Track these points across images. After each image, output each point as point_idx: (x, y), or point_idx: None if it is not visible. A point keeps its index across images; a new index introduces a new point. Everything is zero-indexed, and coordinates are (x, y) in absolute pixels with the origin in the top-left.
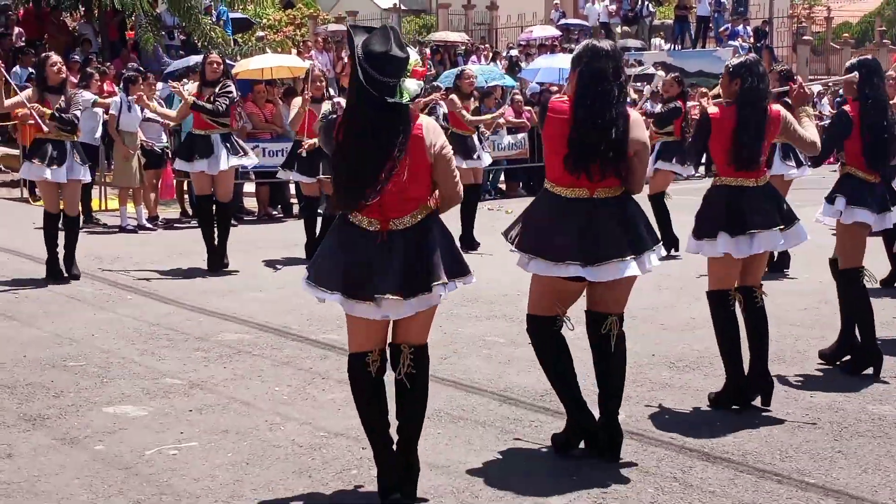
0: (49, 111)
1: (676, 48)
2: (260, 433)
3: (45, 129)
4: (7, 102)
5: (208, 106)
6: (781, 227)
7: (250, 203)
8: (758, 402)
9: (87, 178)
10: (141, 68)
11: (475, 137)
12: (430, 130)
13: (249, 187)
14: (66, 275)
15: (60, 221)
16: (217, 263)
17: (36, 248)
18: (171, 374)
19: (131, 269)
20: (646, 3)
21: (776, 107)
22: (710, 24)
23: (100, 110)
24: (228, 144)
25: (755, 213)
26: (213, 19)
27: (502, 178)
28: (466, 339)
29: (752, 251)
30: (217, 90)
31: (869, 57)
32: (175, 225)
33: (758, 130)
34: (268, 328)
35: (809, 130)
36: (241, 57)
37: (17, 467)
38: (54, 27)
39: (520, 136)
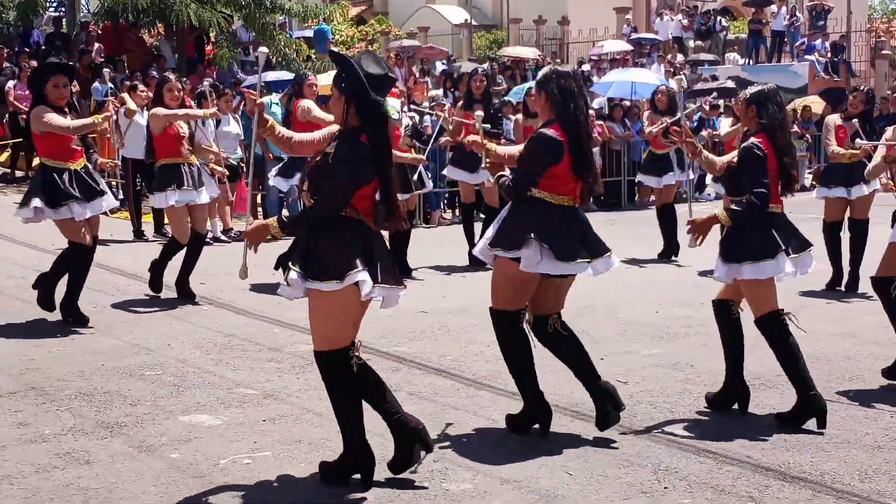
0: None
1: (750, 63)
2: (333, 444)
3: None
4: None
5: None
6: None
7: None
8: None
9: (215, 193)
10: (217, 83)
11: None
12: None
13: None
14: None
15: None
16: None
17: (110, 259)
18: (244, 384)
19: (206, 280)
20: (719, 17)
21: None
22: (786, 39)
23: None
24: None
25: (791, 236)
26: (289, 35)
27: None
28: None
29: (801, 272)
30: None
31: None
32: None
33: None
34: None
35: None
36: (315, 73)
37: (96, 474)
38: (132, 43)
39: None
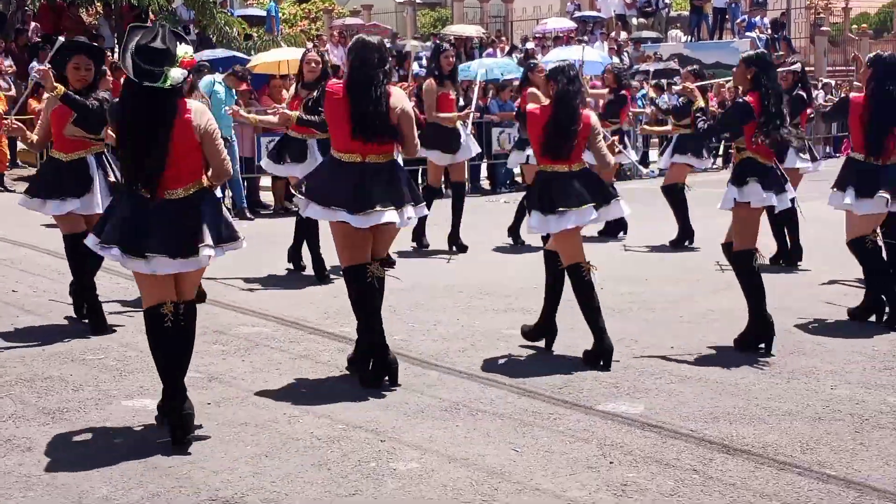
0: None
1: (693, 40)
2: (279, 426)
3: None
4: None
5: (316, 119)
6: None
7: (266, 197)
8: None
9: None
10: None
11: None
12: (198, 114)
13: (266, 181)
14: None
15: None
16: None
17: (51, 243)
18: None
19: None
20: None
21: None
22: (727, 16)
23: None
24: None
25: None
26: (230, 13)
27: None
28: (483, 333)
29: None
30: (317, 94)
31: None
32: None
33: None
34: (285, 321)
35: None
36: (255, 52)
37: (37, 460)
38: (71, 22)
39: None
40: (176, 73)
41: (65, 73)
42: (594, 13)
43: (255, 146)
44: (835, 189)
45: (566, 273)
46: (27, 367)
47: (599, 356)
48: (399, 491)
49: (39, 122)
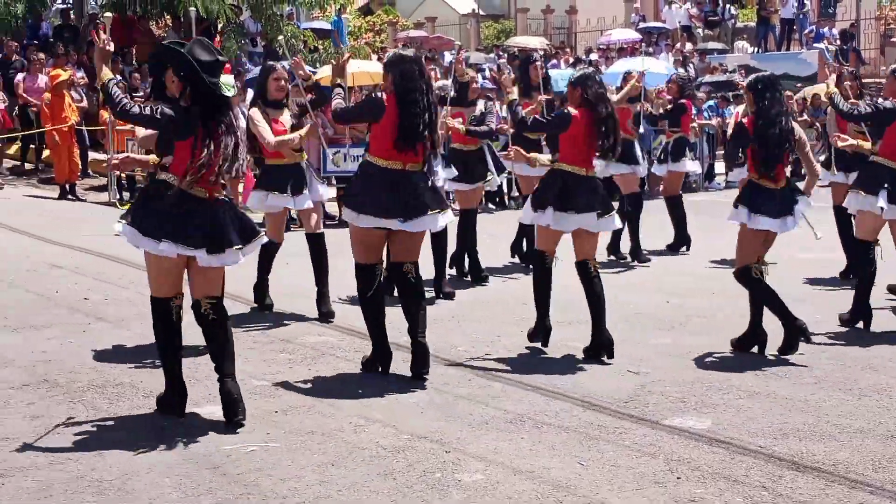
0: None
1: (759, 51)
2: (344, 435)
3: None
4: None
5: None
6: None
7: (332, 208)
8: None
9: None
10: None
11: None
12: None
13: (331, 192)
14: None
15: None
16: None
17: (124, 253)
18: (256, 376)
19: None
20: (727, 5)
21: None
22: (795, 27)
23: None
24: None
25: None
26: (296, 26)
27: None
28: (549, 345)
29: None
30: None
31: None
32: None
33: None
34: (351, 331)
35: None
36: (321, 64)
37: (109, 465)
38: (141, 35)
39: None
40: (227, 79)
41: (162, 80)
42: (659, 24)
43: (320, 157)
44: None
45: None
46: (99, 373)
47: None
48: (464, 502)
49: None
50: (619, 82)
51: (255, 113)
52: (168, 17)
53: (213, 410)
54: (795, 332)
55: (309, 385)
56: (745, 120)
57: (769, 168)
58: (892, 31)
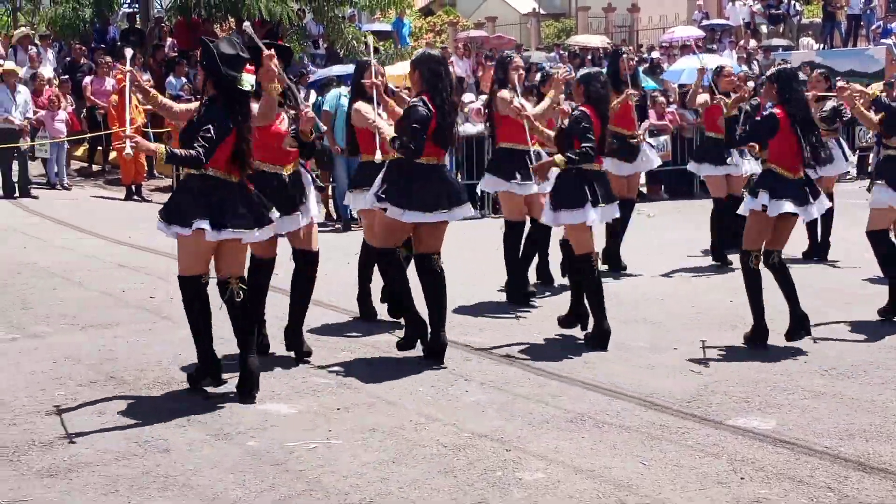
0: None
1: (825, 47)
2: (406, 433)
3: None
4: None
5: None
6: None
7: None
8: None
9: None
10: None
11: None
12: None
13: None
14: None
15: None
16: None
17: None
18: (318, 374)
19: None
20: (792, 1)
21: None
22: (862, 22)
23: None
24: None
25: None
26: (357, 27)
27: (643, 180)
28: (609, 345)
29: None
30: None
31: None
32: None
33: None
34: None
35: None
36: (382, 65)
37: (174, 461)
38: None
39: (662, 138)
40: (250, 78)
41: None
42: (722, 21)
43: None
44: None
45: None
46: (164, 371)
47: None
48: (525, 500)
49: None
50: (693, 79)
51: (365, 107)
52: (232, 19)
53: (276, 408)
54: (763, 331)
55: (370, 383)
56: (776, 111)
57: (817, 157)
58: None
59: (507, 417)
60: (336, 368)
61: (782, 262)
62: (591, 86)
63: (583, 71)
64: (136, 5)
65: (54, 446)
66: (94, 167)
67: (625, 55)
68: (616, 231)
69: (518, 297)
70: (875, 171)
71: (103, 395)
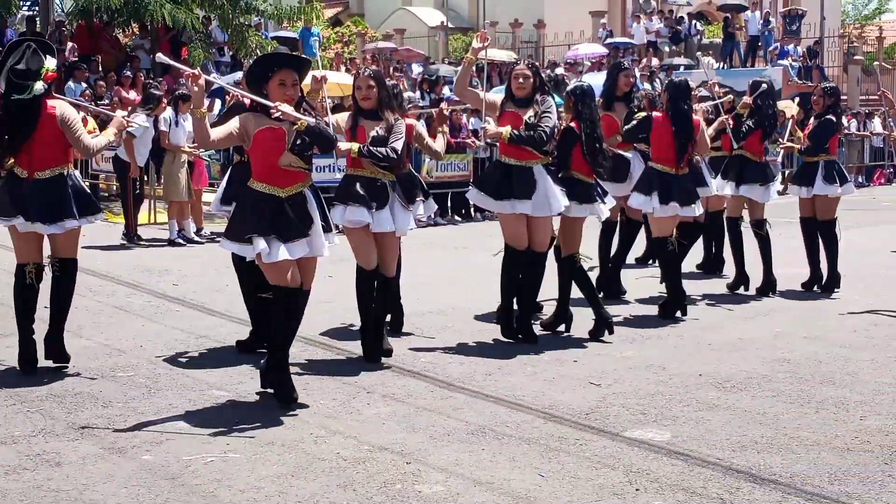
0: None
1: (725, 67)
2: (305, 446)
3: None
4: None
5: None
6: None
7: None
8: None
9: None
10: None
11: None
12: (62, 109)
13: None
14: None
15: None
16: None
17: (84, 259)
18: (217, 386)
19: (179, 281)
20: (693, 21)
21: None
22: (760, 44)
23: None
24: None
25: None
26: (263, 36)
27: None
28: (511, 357)
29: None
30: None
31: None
32: (218, 238)
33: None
34: (313, 342)
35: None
36: None
37: (66, 475)
38: (108, 43)
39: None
40: (38, 86)
41: (264, 91)
42: (626, 39)
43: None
44: (636, 192)
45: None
46: (58, 382)
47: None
48: None
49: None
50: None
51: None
52: (135, 25)
53: (173, 422)
54: (604, 323)
55: (270, 397)
56: (655, 114)
57: (596, 164)
58: (855, 49)
59: (409, 430)
60: (236, 381)
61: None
62: (581, 101)
63: (573, 84)
64: (36, 8)
65: None
66: None
67: (627, 70)
68: (615, 257)
69: (510, 330)
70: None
71: None
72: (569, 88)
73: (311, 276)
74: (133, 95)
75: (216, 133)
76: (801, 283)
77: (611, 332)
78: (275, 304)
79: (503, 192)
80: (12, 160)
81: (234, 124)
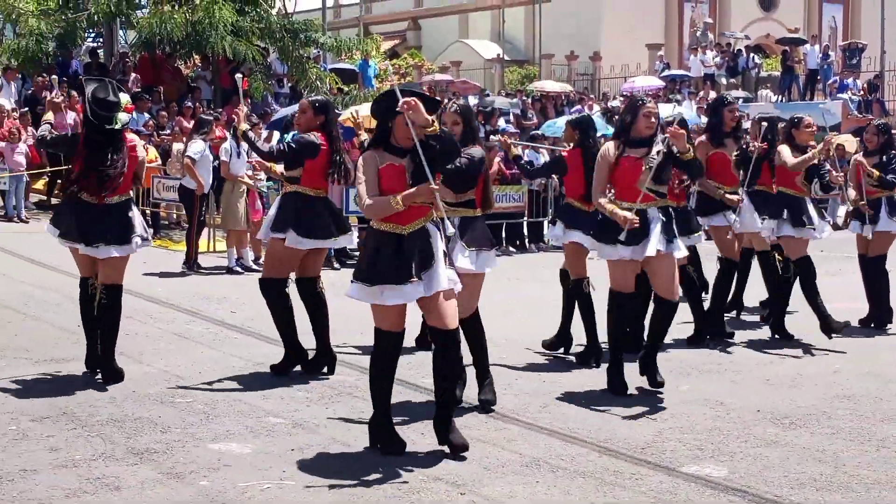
0: None
1: (783, 100)
2: (359, 473)
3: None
4: None
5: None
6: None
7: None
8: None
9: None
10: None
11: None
12: (136, 141)
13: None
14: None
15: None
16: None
17: (144, 286)
18: (274, 413)
19: (237, 309)
20: (752, 55)
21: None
22: (819, 77)
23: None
24: None
25: None
26: (322, 68)
27: None
28: (565, 389)
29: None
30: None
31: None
32: None
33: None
34: (366, 371)
35: None
36: (345, 107)
37: (124, 499)
38: (170, 74)
39: None
40: (124, 117)
41: (390, 126)
42: (682, 72)
43: (342, 196)
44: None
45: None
46: (118, 407)
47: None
48: None
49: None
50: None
51: None
52: (197, 56)
53: (230, 447)
54: (592, 352)
55: (326, 424)
56: (564, 153)
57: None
58: None
59: (463, 461)
60: (292, 409)
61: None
62: (585, 132)
63: (575, 116)
64: (101, 40)
65: (2, 482)
66: (54, 201)
67: (731, 105)
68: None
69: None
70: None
71: (55, 430)
72: (569, 119)
73: (447, 313)
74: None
75: (371, 190)
76: (856, 319)
77: (597, 364)
78: (376, 351)
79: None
80: (75, 187)
81: (370, 172)
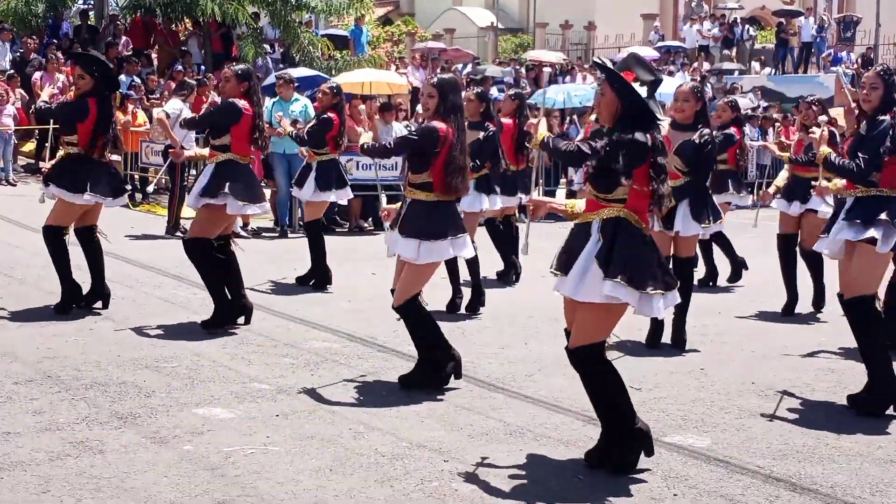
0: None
1: (777, 73)
2: (344, 441)
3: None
4: None
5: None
6: None
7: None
8: None
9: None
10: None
11: None
12: None
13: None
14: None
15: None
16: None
17: (131, 252)
18: (259, 379)
19: None
20: (746, 26)
21: None
22: (813, 50)
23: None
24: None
25: None
26: (314, 34)
27: None
28: (552, 358)
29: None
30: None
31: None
32: (264, 234)
33: None
34: (354, 338)
35: None
36: (337, 72)
37: (108, 463)
38: (162, 38)
39: None
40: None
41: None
42: (677, 43)
43: None
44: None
45: None
46: (102, 371)
47: None
48: None
49: None
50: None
51: None
52: (188, 20)
53: (214, 412)
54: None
55: (311, 390)
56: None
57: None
58: None
59: (447, 428)
60: (277, 374)
61: None
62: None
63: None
64: (91, 2)
65: None
66: (41, 164)
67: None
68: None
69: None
70: None
71: (39, 393)
72: (510, 92)
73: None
74: None
75: None
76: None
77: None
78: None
79: None
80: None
81: None
